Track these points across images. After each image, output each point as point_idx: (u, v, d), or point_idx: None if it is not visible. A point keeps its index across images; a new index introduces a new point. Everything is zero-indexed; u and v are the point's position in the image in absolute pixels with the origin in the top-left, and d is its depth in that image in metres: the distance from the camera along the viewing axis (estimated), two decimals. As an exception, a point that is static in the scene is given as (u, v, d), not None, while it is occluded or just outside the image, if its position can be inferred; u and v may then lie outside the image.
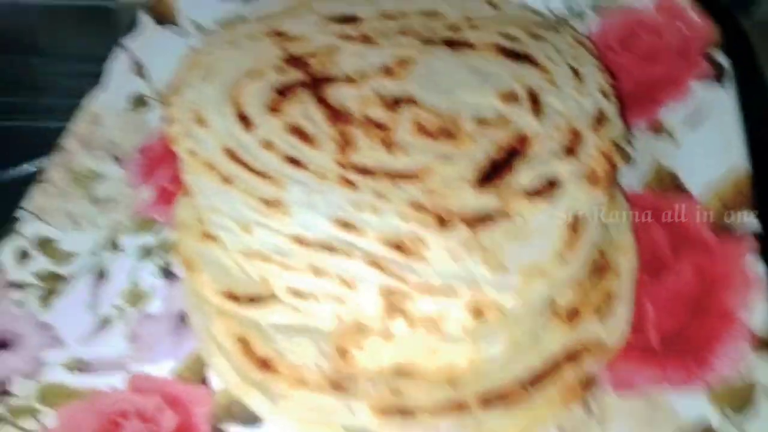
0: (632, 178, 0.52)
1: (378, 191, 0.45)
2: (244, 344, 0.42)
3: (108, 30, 0.67)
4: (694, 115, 0.52)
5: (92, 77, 0.57)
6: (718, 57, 0.53)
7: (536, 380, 0.41)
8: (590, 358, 0.42)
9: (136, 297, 0.48)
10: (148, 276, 0.49)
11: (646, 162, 0.52)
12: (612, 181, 0.46)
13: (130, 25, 0.60)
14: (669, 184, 0.51)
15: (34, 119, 0.63)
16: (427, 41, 0.54)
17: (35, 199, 0.51)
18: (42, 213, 0.51)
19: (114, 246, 0.50)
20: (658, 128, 0.54)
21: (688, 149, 0.51)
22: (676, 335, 0.44)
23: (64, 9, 0.72)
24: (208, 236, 0.44)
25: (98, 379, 0.44)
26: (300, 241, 0.43)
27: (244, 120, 0.49)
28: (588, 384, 0.42)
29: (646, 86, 0.56)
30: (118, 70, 0.58)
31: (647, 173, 0.52)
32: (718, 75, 0.53)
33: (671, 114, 0.54)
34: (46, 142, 0.55)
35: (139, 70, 0.58)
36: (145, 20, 0.60)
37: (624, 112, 0.54)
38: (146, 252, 0.50)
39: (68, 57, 0.67)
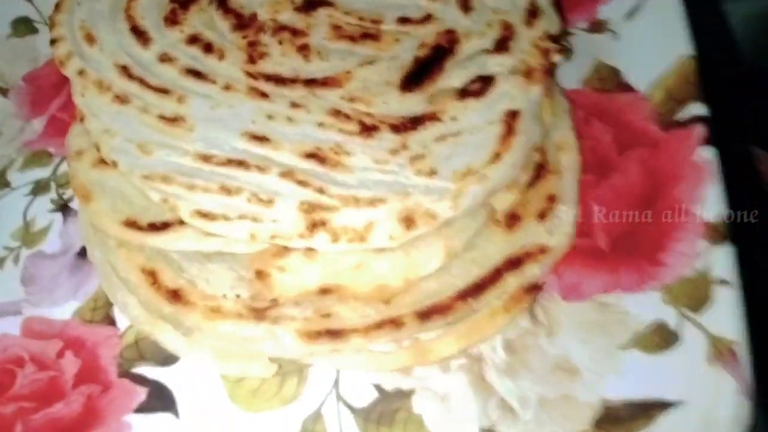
0: (573, 78, 0.48)
1: (293, 101, 0.41)
2: (151, 276, 0.38)
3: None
4: (633, 8, 0.49)
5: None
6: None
7: (477, 291, 0.37)
8: (534, 265, 0.39)
9: (29, 236, 0.43)
10: (43, 212, 0.44)
11: (587, 60, 0.49)
12: (548, 75, 0.43)
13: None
14: (611, 80, 0.48)
15: None
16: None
17: None
18: None
19: (3, 183, 0.45)
20: (598, 26, 0.50)
21: (630, 43, 0.48)
22: (625, 236, 0.41)
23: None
24: (104, 162, 0.39)
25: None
26: (206, 158, 0.38)
27: (139, 34, 0.44)
28: (532, 291, 0.39)
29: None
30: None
31: (588, 71, 0.48)
32: (656, -39, 0.49)
33: (610, 9, 0.50)
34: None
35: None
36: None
37: (563, 12, 0.51)
38: (40, 187, 0.45)
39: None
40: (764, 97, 0.73)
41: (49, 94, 0.48)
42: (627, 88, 0.46)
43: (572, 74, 0.48)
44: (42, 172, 0.46)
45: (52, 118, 0.48)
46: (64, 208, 0.44)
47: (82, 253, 0.42)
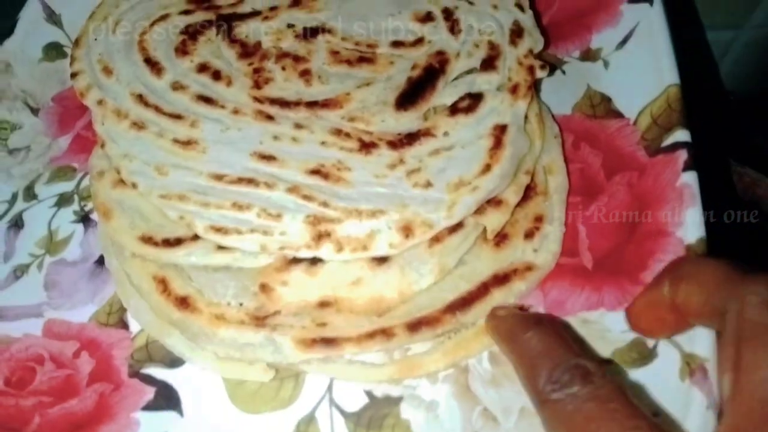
0: (565, 104, 0.50)
1: (297, 122, 0.44)
2: (162, 284, 0.40)
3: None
4: (625, 38, 0.51)
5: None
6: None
7: (464, 304, 0.39)
8: (520, 281, 0.40)
9: (53, 244, 0.46)
10: (66, 223, 0.47)
11: (579, 87, 0.51)
12: (533, 91, 0.45)
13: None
14: (602, 107, 0.49)
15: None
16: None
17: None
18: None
19: (31, 195, 0.49)
20: (590, 54, 0.52)
21: (620, 71, 0.50)
22: (609, 256, 0.43)
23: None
24: (123, 182, 0.43)
25: (13, 327, 0.43)
26: (218, 177, 0.41)
27: (152, 65, 0.47)
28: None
29: (577, 13, 0.55)
30: (29, 18, 0.55)
31: (580, 97, 0.50)
32: (647, -7, 0.51)
33: (602, 39, 0.52)
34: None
35: (53, 17, 0.56)
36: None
37: (557, 42, 0.53)
38: (64, 199, 0.48)
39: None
40: (740, 119, 0.77)
41: (75, 114, 0.52)
42: (616, 114, 0.48)
43: (564, 100, 0.50)
44: (66, 186, 0.49)
45: (77, 136, 0.51)
46: (85, 219, 0.47)
47: (100, 261, 0.45)
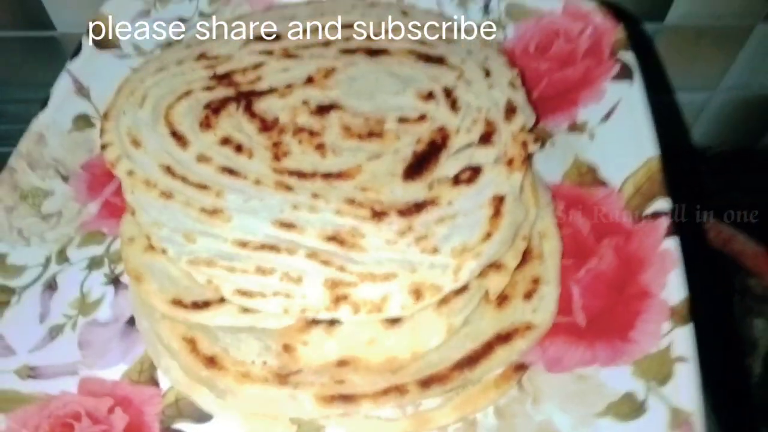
0: (555, 172, 0.55)
1: (314, 192, 0.47)
2: (191, 344, 0.43)
3: (53, 58, 0.69)
4: (608, 112, 0.55)
5: (39, 102, 0.58)
6: (625, 56, 0.57)
7: (471, 362, 0.43)
8: (521, 340, 0.44)
9: (85, 306, 0.49)
10: (97, 285, 0.50)
11: (568, 157, 0.55)
12: (527, 164, 0.50)
13: (76, 50, 0.61)
14: (589, 176, 0.54)
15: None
16: (347, 51, 0.57)
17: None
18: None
19: (63, 258, 0.51)
20: (577, 127, 0.57)
21: (605, 143, 0.54)
22: (600, 315, 0.47)
23: (8, 39, 0.73)
24: (152, 247, 0.46)
25: (50, 385, 0.45)
26: (243, 244, 0.44)
27: (178, 138, 0.51)
28: (519, 370, 0.44)
29: (564, 89, 0.60)
30: (61, 92, 0.59)
31: (568, 167, 0.55)
32: (627, 73, 0.56)
33: (588, 113, 0.57)
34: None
35: (82, 91, 0.60)
36: (87, 45, 0.62)
37: (546, 115, 0.58)
38: (95, 263, 0.51)
39: (15, 84, 0.68)
40: (711, 173, 0.84)
41: (102, 181, 0.55)
42: (602, 183, 0.52)
43: (554, 169, 0.54)
44: (97, 250, 0.52)
45: (106, 202, 0.54)
46: (115, 281, 0.50)
47: (131, 321, 0.47)
